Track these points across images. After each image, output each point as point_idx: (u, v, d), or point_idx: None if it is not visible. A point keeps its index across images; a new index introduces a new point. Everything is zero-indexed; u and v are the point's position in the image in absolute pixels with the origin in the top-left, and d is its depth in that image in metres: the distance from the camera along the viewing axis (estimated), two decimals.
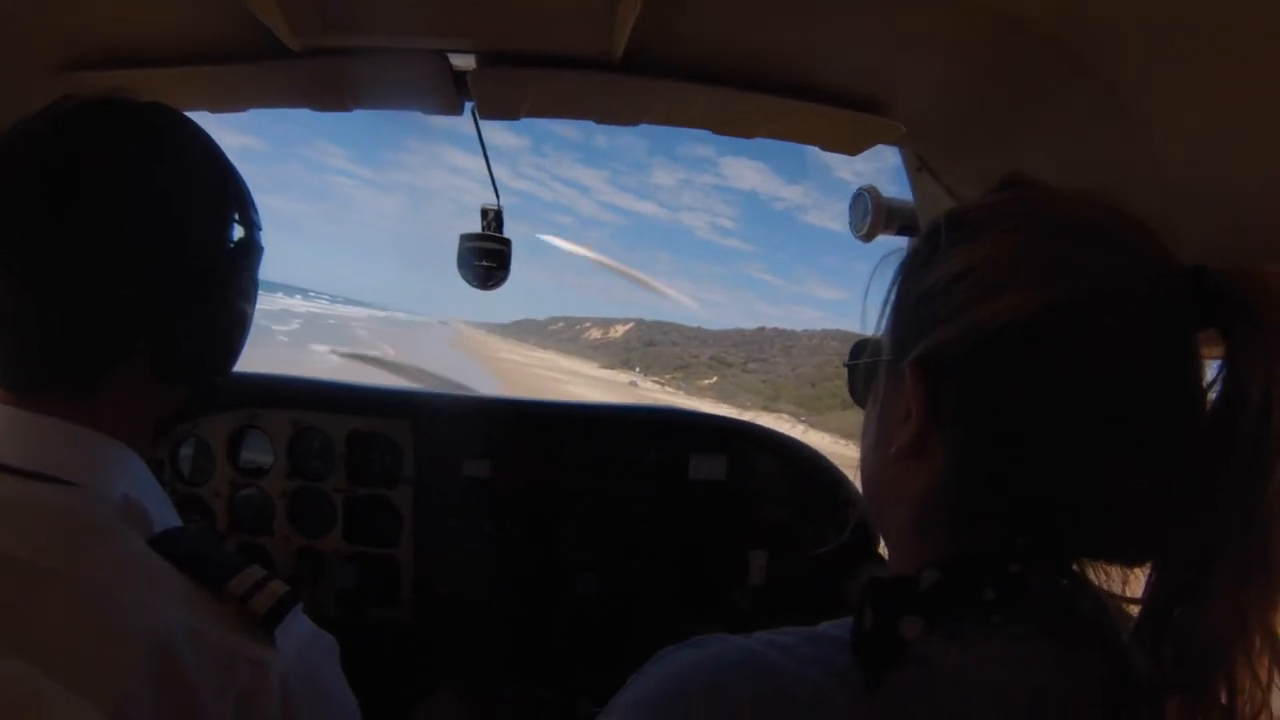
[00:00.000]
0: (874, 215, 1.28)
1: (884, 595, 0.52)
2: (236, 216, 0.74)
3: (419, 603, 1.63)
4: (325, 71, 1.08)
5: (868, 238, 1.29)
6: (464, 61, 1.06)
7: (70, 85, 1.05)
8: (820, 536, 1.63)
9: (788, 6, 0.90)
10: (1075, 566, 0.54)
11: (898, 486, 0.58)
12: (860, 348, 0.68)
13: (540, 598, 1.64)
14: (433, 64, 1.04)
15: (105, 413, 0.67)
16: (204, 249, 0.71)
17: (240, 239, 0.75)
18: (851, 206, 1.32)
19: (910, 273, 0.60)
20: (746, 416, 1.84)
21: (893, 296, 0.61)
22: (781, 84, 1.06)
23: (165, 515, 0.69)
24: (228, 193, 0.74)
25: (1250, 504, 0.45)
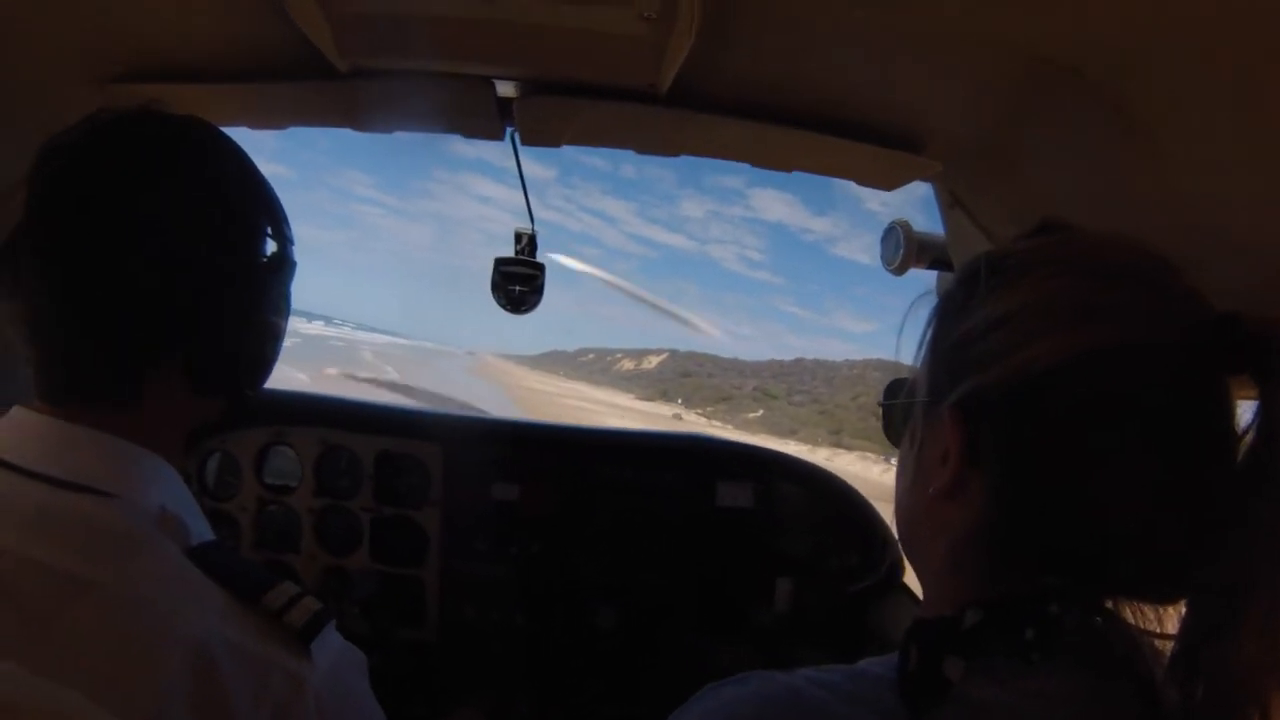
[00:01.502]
0: (906, 249, 1.28)
1: (928, 636, 0.53)
2: (269, 231, 0.75)
3: (444, 623, 1.63)
4: (369, 93, 1.09)
5: (899, 271, 1.30)
6: (509, 88, 1.07)
7: (115, 97, 1.07)
8: (846, 566, 1.62)
9: (832, 46, 0.91)
10: (1109, 604, 0.54)
11: (934, 526, 0.58)
12: (895, 388, 0.68)
13: (565, 620, 1.64)
14: (478, 90, 1.05)
15: (141, 424, 0.68)
16: (237, 262, 0.72)
17: (273, 253, 0.75)
18: (883, 240, 1.33)
19: (947, 316, 0.60)
20: (819, 456, 1.82)
21: (928, 338, 0.62)
22: (821, 120, 1.07)
23: (200, 528, 0.69)
24: (260, 207, 0.75)
25: None
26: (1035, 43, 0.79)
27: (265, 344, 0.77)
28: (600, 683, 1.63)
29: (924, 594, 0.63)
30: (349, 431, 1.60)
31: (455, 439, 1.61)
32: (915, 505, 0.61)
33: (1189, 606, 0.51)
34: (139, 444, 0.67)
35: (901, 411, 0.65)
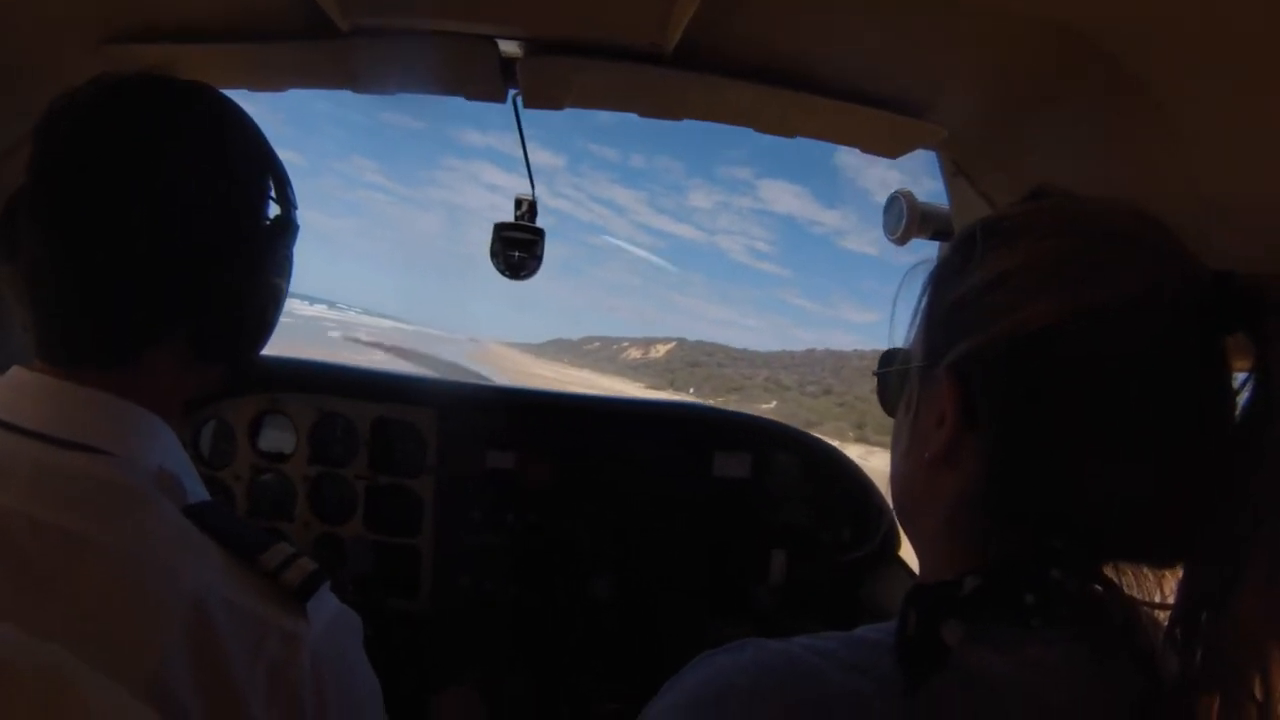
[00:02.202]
0: (908, 218, 1.28)
1: (927, 601, 0.53)
2: (273, 194, 0.75)
3: (438, 593, 1.63)
4: (370, 53, 1.07)
5: (901, 241, 1.29)
6: (511, 48, 1.05)
7: (111, 58, 1.05)
8: (841, 538, 1.63)
9: (838, 9, 0.91)
10: (1108, 572, 0.54)
11: (930, 492, 0.58)
12: (890, 356, 0.68)
13: (560, 590, 1.64)
14: (480, 49, 1.03)
15: (142, 386, 0.68)
16: (241, 225, 0.72)
17: (277, 216, 0.76)
18: (886, 210, 1.32)
19: (943, 281, 0.60)
20: (851, 455, 1.80)
21: (924, 304, 0.62)
22: (826, 85, 1.06)
23: (197, 489, 0.70)
24: (265, 171, 0.75)
25: None
26: (1045, 10, 0.78)
27: (266, 307, 0.77)
28: (594, 653, 1.64)
29: (920, 563, 0.63)
30: (345, 398, 1.59)
31: (451, 405, 1.61)
32: (911, 472, 0.61)
33: (1187, 571, 0.51)
34: (138, 405, 0.67)
35: (897, 379, 0.65)
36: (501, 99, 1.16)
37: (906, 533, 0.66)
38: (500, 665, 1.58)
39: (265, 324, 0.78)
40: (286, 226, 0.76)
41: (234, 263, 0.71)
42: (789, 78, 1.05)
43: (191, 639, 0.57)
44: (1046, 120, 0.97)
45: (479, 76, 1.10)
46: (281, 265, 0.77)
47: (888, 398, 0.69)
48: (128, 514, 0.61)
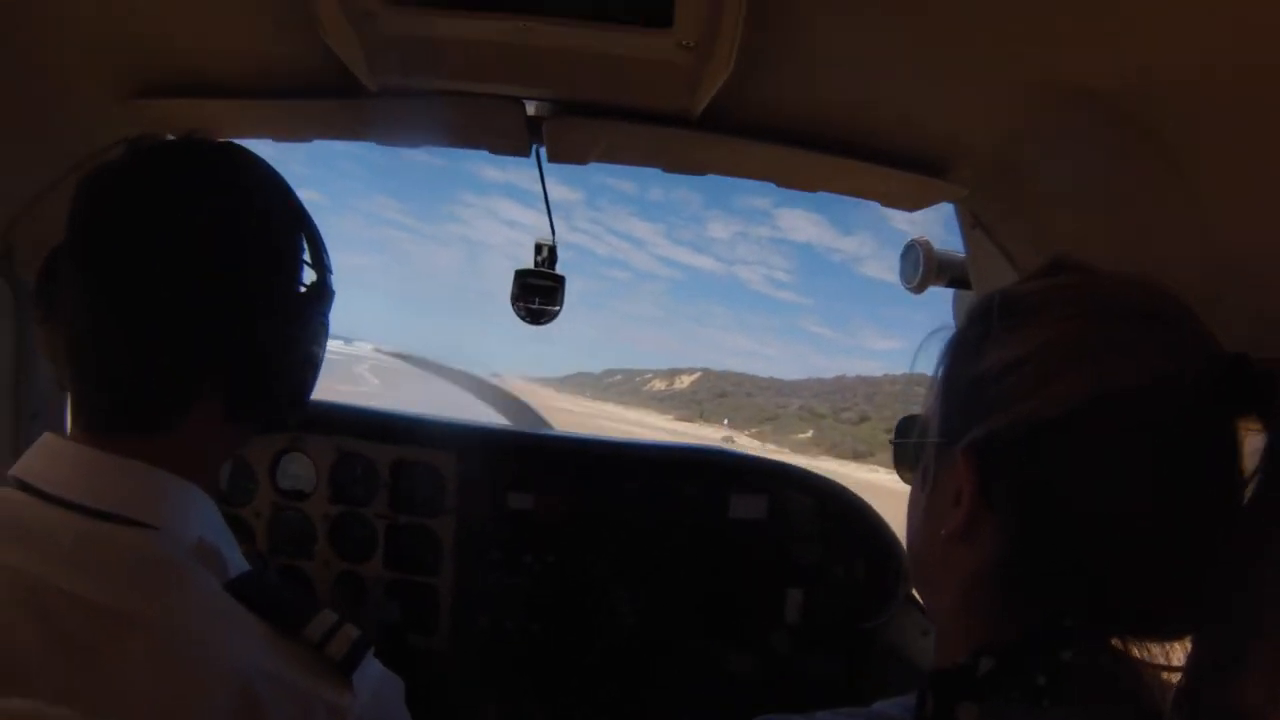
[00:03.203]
0: (925, 267, 1.29)
1: (944, 684, 0.54)
2: (308, 260, 0.76)
3: (457, 631, 1.63)
4: (397, 111, 1.08)
5: (918, 290, 1.30)
6: (537, 106, 1.06)
7: (140, 111, 1.07)
8: (855, 575, 1.63)
9: (864, 74, 0.92)
10: (1116, 640, 0.55)
11: (946, 567, 0.59)
12: (908, 426, 0.69)
13: (578, 631, 1.64)
14: (508, 109, 1.04)
15: (178, 453, 0.68)
16: (276, 291, 0.73)
17: (312, 283, 0.76)
18: (903, 258, 1.33)
19: (960, 356, 0.61)
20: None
21: (941, 375, 0.62)
22: (848, 146, 1.07)
23: (237, 558, 0.70)
24: (300, 236, 0.76)
25: None
26: (1063, 73, 0.79)
27: (305, 373, 0.77)
28: (612, 692, 1.64)
29: (936, 633, 0.64)
30: (365, 439, 1.60)
31: (471, 448, 1.61)
32: (927, 547, 0.62)
33: (1194, 644, 0.52)
34: (175, 472, 0.67)
35: (913, 450, 0.66)
36: (526, 154, 1.17)
37: (923, 601, 0.66)
38: (518, 704, 1.59)
39: (301, 389, 0.78)
40: (322, 291, 0.77)
41: (269, 327, 0.71)
42: (812, 139, 1.05)
43: (237, 715, 0.58)
44: (1065, 178, 0.97)
45: (504, 134, 1.11)
46: (316, 332, 0.77)
47: (904, 468, 0.70)
48: (172, 592, 0.61)
